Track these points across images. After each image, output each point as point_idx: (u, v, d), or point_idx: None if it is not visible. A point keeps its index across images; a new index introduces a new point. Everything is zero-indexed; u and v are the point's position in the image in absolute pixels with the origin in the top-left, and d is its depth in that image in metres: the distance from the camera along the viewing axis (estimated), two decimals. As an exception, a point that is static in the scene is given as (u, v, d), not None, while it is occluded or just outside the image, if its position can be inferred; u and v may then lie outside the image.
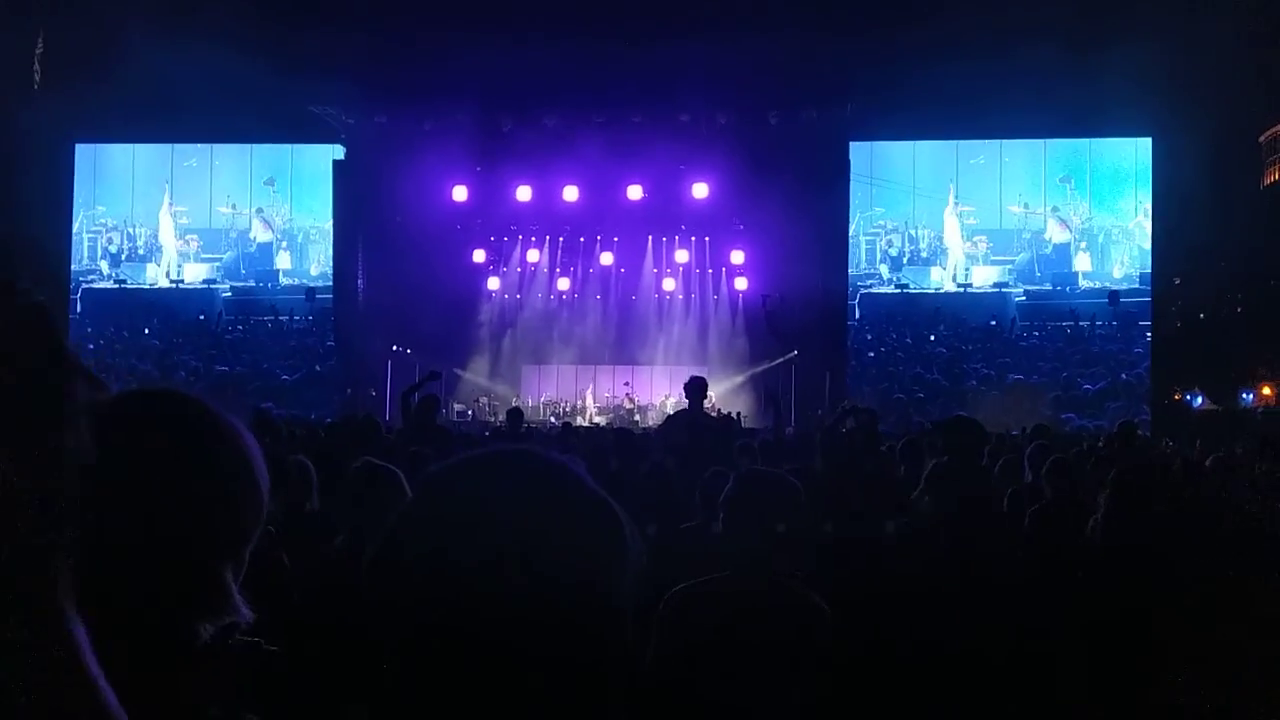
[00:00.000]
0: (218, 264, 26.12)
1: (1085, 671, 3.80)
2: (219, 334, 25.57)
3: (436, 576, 1.05)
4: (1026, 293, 24.79)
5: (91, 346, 24.38)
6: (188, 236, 26.08)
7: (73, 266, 25.44)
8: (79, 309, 25.53)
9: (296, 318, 25.53)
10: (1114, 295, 23.69)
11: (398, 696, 1.06)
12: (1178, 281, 24.59)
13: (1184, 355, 24.09)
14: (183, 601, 1.17)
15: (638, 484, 5.79)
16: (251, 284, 25.99)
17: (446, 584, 1.04)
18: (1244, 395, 25.65)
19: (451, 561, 1.04)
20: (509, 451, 1.18)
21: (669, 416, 9.11)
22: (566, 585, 1.05)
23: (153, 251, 26.05)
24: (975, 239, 24.89)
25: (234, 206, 26.00)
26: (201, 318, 25.51)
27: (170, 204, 25.78)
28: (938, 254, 24.98)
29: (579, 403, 23.88)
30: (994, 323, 24.71)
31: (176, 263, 25.99)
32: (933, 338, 24.42)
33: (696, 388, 8.36)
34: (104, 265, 25.98)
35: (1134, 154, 24.19)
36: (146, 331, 25.47)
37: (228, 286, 26.03)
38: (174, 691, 1.16)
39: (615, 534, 1.12)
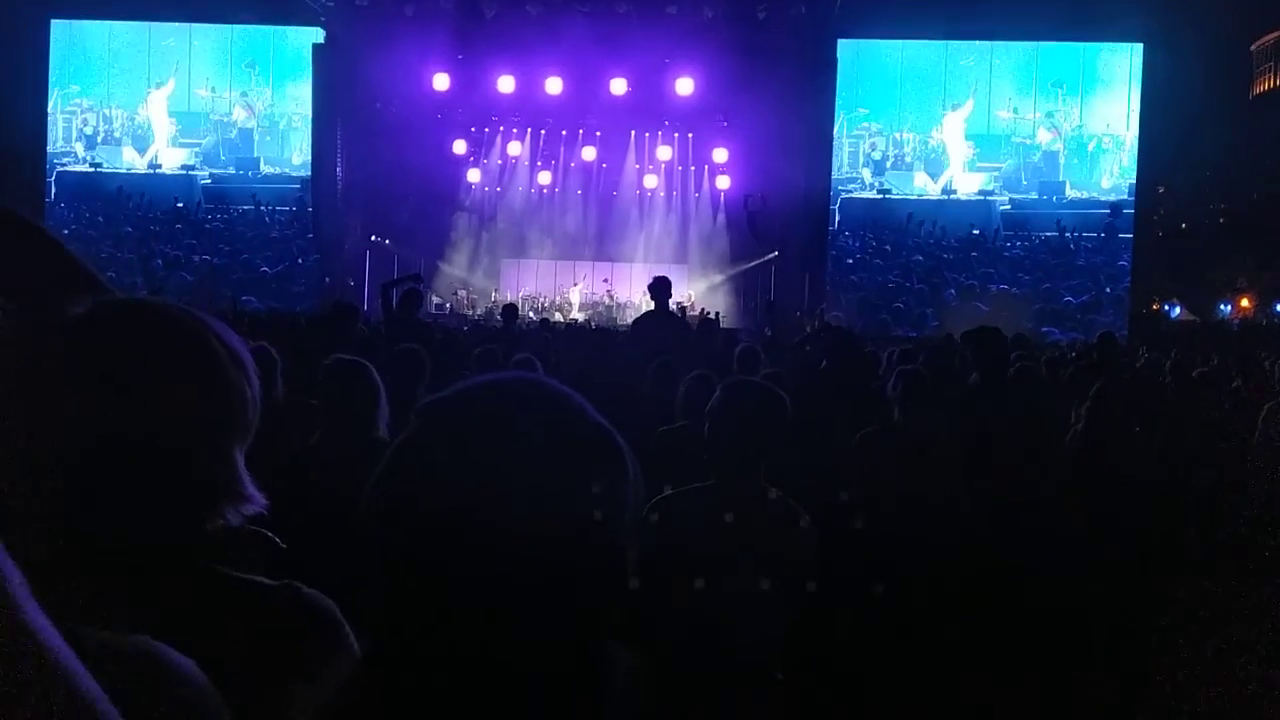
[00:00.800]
0: (196, 149, 25.55)
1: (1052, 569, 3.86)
2: (198, 222, 25.14)
3: (438, 506, 1.05)
4: (1011, 201, 24.54)
5: (67, 231, 24.00)
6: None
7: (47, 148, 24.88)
8: (54, 192, 25.03)
9: (278, 208, 25.04)
10: (1116, 208, 23.45)
11: (397, 624, 1.09)
12: (1161, 190, 24.50)
13: (1164, 265, 24.13)
14: (205, 486, 1.29)
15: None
16: (231, 171, 25.48)
17: (448, 513, 1.05)
18: (1221, 306, 25.79)
19: (453, 491, 1.05)
20: (511, 380, 1.18)
21: (636, 320, 9.07)
22: (569, 515, 1.06)
23: (128, 135, 25.46)
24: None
25: (213, 90, 25.35)
26: (180, 205, 25.04)
27: (169, 88, 25.09)
28: (923, 158, 24.63)
29: (558, 299, 23.81)
30: (977, 231, 24.42)
31: (166, 147, 25.45)
32: (913, 244, 24.19)
33: (660, 287, 8.33)
34: (79, 148, 25.37)
35: (1128, 61, 23.79)
36: (123, 222, 25.02)
37: (207, 173, 25.52)
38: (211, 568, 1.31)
39: (616, 460, 1.13)
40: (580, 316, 22.22)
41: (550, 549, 1.05)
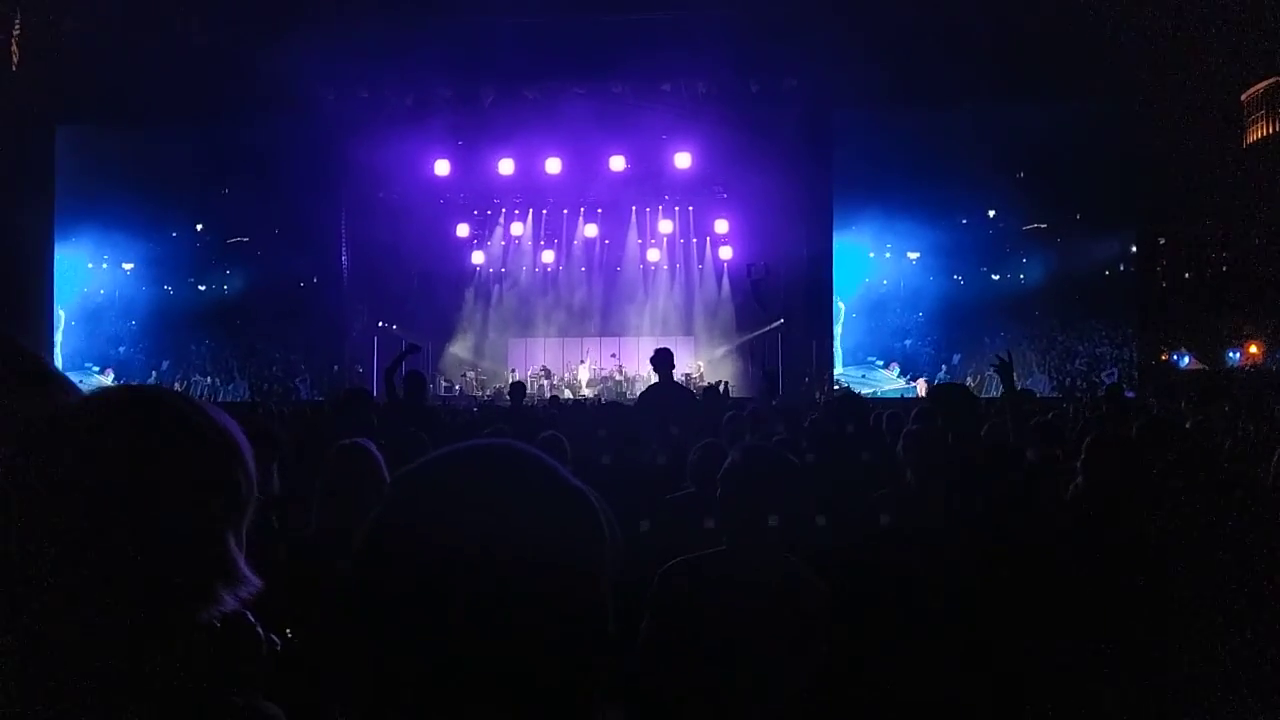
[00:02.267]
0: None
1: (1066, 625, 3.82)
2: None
3: (415, 575, 1.04)
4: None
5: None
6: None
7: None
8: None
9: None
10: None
11: (384, 695, 1.06)
12: (1163, 241, 24.58)
13: (1171, 315, 24.10)
14: (200, 568, 1.27)
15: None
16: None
17: (426, 582, 1.04)
18: (1230, 354, 25.73)
19: (430, 559, 1.04)
20: (483, 446, 1.16)
21: (642, 393, 9.11)
22: (547, 577, 1.05)
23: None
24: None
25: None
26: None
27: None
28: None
29: (565, 375, 23.84)
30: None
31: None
32: (921, 314, 23.77)
33: (662, 359, 8.37)
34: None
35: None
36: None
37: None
38: (197, 668, 1.26)
39: (592, 523, 1.11)
40: (589, 392, 22.24)
41: (531, 615, 1.04)
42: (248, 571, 1.32)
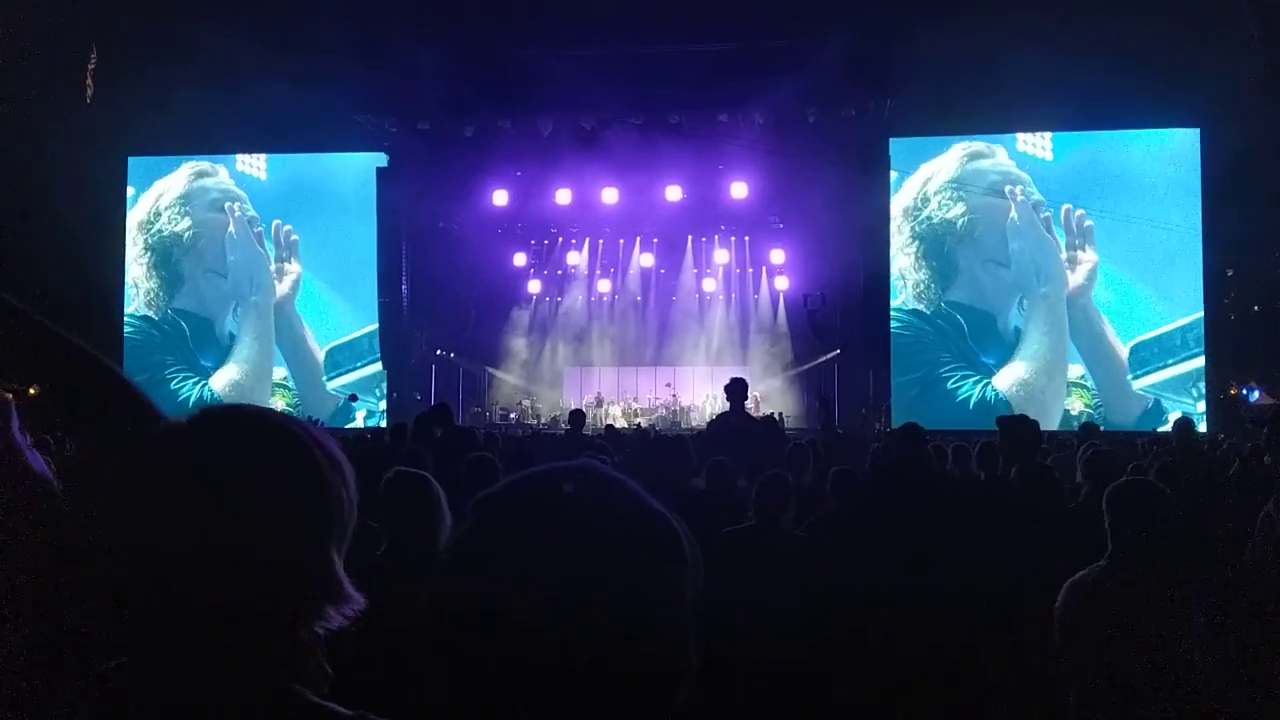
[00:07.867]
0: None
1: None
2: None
3: (494, 598, 1.04)
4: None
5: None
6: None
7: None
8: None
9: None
10: None
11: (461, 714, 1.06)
12: (1230, 274, 24.06)
13: (1239, 349, 23.56)
14: (312, 587, 1.30)
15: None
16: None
17: (505, 605, 1.03)
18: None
19: (509, 581, 1.04)
20: (562, 468, 1.15)
21: (712, 421, 9.12)
22: (629, 604, 1.05)
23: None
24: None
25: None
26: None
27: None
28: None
29: (607, 408, 23.61)
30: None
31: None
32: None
33: (737, 389, 8.38)
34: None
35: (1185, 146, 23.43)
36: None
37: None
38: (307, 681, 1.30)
39: (674, 545, 1.11)
40: (643, 421, 22.18)
41: (611, 640, 1.03)
42: (352, 590, 1.35)
